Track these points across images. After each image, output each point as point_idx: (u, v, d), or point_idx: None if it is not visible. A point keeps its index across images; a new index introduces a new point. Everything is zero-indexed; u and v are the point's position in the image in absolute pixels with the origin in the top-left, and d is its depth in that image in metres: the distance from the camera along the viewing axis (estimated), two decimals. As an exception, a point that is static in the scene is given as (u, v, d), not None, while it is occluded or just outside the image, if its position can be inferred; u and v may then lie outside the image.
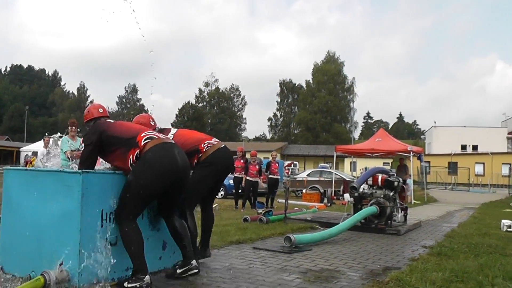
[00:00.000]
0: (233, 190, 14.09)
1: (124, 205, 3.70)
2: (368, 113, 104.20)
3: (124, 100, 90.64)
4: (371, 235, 7.47)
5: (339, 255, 5.66)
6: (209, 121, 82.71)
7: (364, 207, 8.04)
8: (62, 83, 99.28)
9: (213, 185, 4.84)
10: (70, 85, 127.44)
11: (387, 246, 6.54)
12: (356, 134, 79.77)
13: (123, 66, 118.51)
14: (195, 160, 4.57)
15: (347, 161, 44.83)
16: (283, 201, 9.46)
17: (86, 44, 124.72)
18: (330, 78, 74.13)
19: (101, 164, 4.23)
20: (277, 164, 14.20)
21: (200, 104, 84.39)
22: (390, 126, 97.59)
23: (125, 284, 3.57)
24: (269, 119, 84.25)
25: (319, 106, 73.90)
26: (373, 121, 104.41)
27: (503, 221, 9.10)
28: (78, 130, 7.91)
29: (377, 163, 30.68)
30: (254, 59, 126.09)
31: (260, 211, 10.10)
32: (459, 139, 51.31)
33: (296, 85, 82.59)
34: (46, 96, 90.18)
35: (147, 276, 3.61)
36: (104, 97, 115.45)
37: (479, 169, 40.75)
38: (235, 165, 12.40)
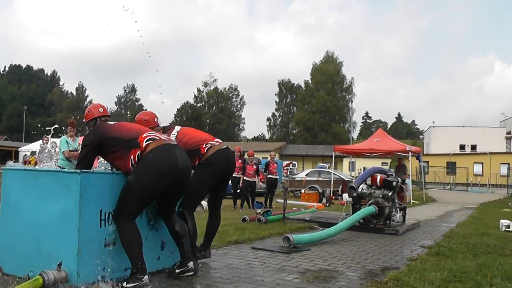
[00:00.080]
0: (232, 190, 14.11)
1: (123, 205, 3.70)
2: (366, 113, 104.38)
3: (122, 100, 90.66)
4: (369, 235, 7.47)
5: (338, 255, 5.66)
6: (208, 121, 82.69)
7: (362, 207, 8.04)
8: (60, 83, 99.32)
9: (217, 186, 4.83)
10: (68, 85, 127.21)
11: (386, 246, 6.54)
12: (355, 134, 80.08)
13: (121, 66, 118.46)
14: (197, 161, 4.57)
15: (345, 161, 44.93)
16: (282, 201, 9.47)
17: (85, 44, 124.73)
18: (329, 78, 74.20)
19: (100, 164, 4.24)
20: (275, 164, 14.23)
21: (199, 104, 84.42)
22: (388, 126, 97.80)
23: (124, 284, 3.57)
24: (268, 119, 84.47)
25: (317, 106, 73.97)
26: (371, 121, 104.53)
27: (501, 221, 9.11)
28: (80, 129, 7.91)
29: (376, 163, 30.70)
30: (253, 59, 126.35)
31: (258, 211, 10.10)
32: (458, 139, 51.36)
33: (295, 85, 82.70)
34: (44, 96, 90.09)
35: (146, 276, 3.61)
36: (103, 97, 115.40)
37: (477, 169, 40.77)
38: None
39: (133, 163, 3.77)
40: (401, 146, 17.89)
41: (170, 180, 3.81)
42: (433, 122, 57.10)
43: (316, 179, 20.74)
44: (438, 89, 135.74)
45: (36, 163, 8.98)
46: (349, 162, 30.64)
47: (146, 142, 3.80)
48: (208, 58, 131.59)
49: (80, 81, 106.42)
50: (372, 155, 19.27)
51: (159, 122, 4.85)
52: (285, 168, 28.39)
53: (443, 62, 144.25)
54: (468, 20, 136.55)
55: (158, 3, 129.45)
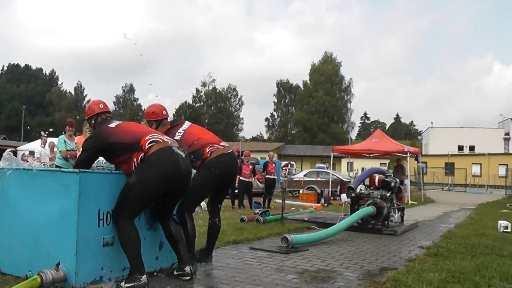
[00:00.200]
0: (230, 190, 14.09)
1: (123, 206, 3.70)
2: (365, 114, 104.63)
3: (121, 99, 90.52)
4: (368, 236, 7.48)
5: (336, 255, 5.67)
6: (206, 121, 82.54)
7: (361, 208, 8.05)
8: (59, 83, 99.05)
9: (219, 189, 4.80)
10: (67, 85, 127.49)
11: (384, 246, 6.55)
12: (353, 134, 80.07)
13: (120, 65, 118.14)
14: (199, 163, 4.55)
15: (344, 162, 44.94)
16: (280, 201, 9.47)
17: (84, 43, 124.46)
18: (327, 79, 74.16)
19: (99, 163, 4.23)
20: (274, 165, 14.21)
21: (197, 104, 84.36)
22: (387, 127, 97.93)
23: (122, 284, 3.57)
24: (266, 119, 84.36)
25: (316, 106, 73.94)
26: (370, 121, 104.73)
27: (500, 221, 9.13)
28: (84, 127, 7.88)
29: (374, 164, 30.79)
30: (252, 59, 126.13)
31: (257, 211, 10.11)
32: (456, 139, 51.37)
33: (293, 85, 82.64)
34: (43, 96, 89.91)
35: (144, 276, 3.61)
36: (101, 97, 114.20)
37: (476, 169, 40.77)
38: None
39: (135, 165, 3.78)
40: (399, 147, 17.91)
41: (171, 182, 3.83)
42: (432, 123, 57.24)
43: (314, 179, 20.74)
44: (436, 90, 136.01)
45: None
46: (348, 162, 30.70)
47: (148, 144, 3.81)
48: (207, 58, 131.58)
49: (78, 81, 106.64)
50: (371, 155, 19.32)
51: (167, 114, 4.83)
52: (283, 168, 28.39)
53: (442, 63, 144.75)
54: (468, 20, 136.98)
55: (158, 3, 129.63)
